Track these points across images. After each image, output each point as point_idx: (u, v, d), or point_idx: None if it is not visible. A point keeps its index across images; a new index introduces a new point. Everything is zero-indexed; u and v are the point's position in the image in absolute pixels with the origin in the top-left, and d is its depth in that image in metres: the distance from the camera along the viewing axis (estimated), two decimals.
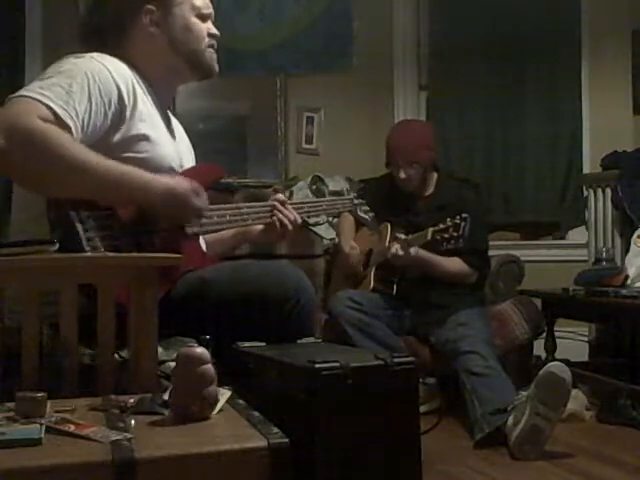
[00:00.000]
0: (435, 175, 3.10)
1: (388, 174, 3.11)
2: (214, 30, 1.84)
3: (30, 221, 1.63)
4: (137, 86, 1.68)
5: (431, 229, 2.71)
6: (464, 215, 2.64)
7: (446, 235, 2.66)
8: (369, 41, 4.26)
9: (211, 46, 1.83)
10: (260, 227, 1.90)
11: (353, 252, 3.09)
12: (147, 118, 1.69)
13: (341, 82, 4.25)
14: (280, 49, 4.21)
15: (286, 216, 1.84)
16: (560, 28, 4.23)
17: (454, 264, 2.95)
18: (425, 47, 4.40)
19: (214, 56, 1.84)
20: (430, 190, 3.08)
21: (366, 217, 2.24)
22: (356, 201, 2.21)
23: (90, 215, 1.53)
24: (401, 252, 2.78)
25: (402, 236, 2.81)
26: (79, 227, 1.51)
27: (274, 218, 1.83)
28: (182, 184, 1.62)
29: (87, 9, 1.99)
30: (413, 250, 2.79)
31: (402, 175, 2.98)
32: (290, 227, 1.84)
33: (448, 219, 2.67)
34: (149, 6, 1.75)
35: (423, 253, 2.85)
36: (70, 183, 1.50)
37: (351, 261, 3.09)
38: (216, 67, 1.85)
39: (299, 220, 1.87)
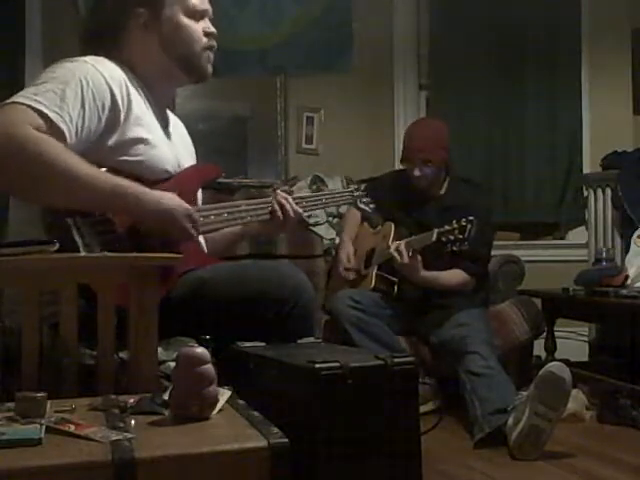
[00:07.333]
0: (446, 176, 3.08)
1: (397, 171, 3.09)
2: (211, 29, 1.79)
3: (27, 223, 1.62)
4: (132, 89, 1.67)
5: (436, 230, 2.68)
6: (470, 218, 2.62)
7: (451, 237, 2.64)
8: (369, 41, 4.25)
9: (209, 47, 1.79)
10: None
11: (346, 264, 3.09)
12: (142, 121, 1.67)
13: (341, 82, 4.25)
14: (280, 49, 4.20)
15: (288, 203, 1.81)
16: (560, 28, 4.24)
17: (455, 277, 2.93)
18: (425, 47, 4.41)
19: (210, 57, 1.80)
20: (441, 191, 3.07)
21: (367, 209, 2.22)
22: (356, 193, 2.19)
23: (86, 221, 1.52)
24: (398, 258, 2.76)
25: (402, 244, 2.77)
26: (75, 234, 1.50)
27: (274, 204, 1.80)
28: (175, 204, 1.59)
29: (87, 12, 2.00)
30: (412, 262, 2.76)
31: (417, 172, 2.97)
32: (292, 214, 1.82)
33: (454, 221, 2.65)
34: (139, 9, 1.73)
35: (425, 274, 2.84)
36: (63, 193, 1.49)
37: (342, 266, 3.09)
38: (210, 70, 1.80)
39: (300, 211, 1.85)
